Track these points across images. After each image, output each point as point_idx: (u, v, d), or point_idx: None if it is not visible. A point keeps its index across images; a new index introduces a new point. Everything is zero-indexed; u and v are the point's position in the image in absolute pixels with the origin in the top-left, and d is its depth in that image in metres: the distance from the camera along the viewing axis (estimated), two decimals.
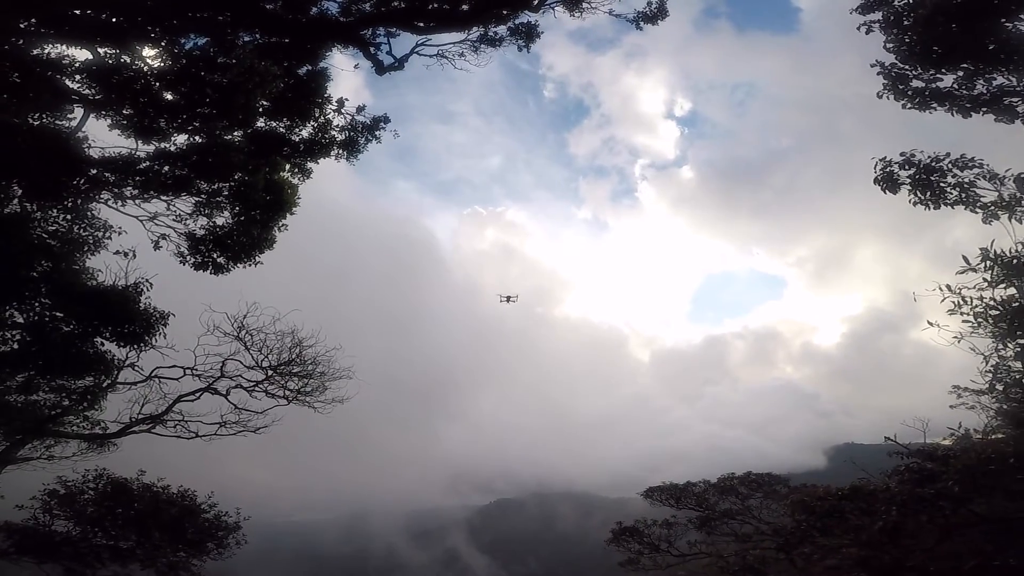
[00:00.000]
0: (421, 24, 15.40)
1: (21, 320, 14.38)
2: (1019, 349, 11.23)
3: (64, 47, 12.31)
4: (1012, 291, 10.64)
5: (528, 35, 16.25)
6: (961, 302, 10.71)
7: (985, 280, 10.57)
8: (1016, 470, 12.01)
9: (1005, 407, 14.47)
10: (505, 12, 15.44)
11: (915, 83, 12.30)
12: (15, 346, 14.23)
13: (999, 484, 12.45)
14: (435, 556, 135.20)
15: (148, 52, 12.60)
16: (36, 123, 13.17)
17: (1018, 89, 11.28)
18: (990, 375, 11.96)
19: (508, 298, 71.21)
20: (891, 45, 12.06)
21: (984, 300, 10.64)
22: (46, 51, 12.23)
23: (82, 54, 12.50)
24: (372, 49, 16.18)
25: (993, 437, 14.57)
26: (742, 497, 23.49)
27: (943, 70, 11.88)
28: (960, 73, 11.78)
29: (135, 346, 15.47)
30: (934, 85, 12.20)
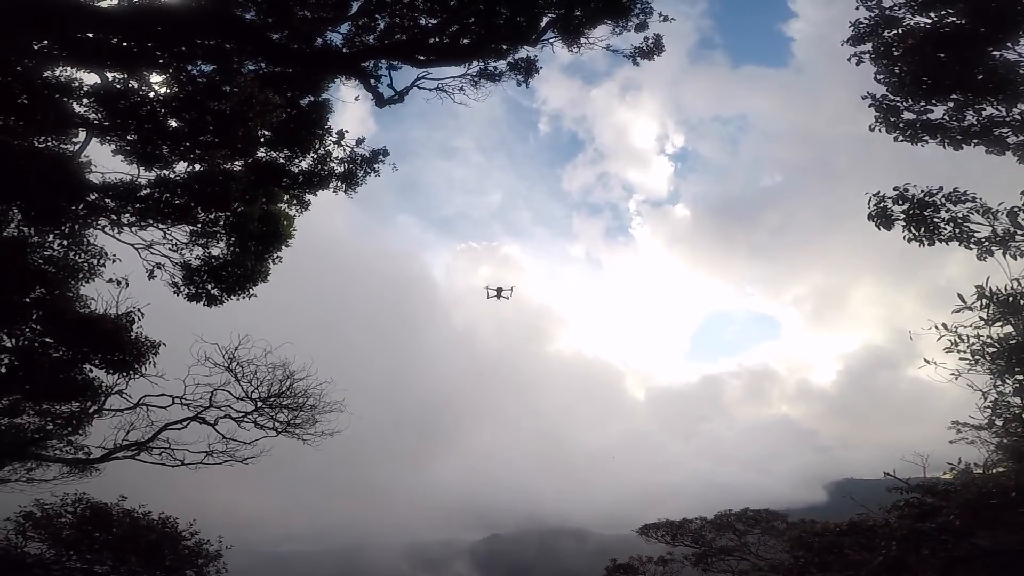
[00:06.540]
0: (422, 57, 15.69)
1: (10, 345, 14.18)
2: (1018, 385, 11.11)
3: (74, 70, 12.51)
4: (1008, 328, 10.51)
5: (527, 70, 16.54)
6: (958, 340, 10.58)
7: (981, 318, 10.45)
8: (1018, 503, 11.85)
9: (1005, 441, 14.36)
10: (504, 47, 15.72)
11: (906, 115, 12.48)
12: (2, 370, 13.98)
13: (1001, 517, 12.26)
14: None
15: (155, 78, 12.82)
16: (40, 146, 13.24)
17: (1007, 119, 11.41)
18: (989, 411, 11.80)
19: (499, 291, 58.16)
20: (881, 76, 12.29)
21: (981, 338, 10.52)
22: (56, 74, 12.42)
23: (90, 78, 12.72)
24: (373, 81, 16.47)
25: (994, 471, 14.43)
26: (739, 533, 23.12)
27: (933, 101, 12.04)
28: (950, 104, 11.96)
29: (124, 374, 15.25)
30: (925, 117, 12.37)
